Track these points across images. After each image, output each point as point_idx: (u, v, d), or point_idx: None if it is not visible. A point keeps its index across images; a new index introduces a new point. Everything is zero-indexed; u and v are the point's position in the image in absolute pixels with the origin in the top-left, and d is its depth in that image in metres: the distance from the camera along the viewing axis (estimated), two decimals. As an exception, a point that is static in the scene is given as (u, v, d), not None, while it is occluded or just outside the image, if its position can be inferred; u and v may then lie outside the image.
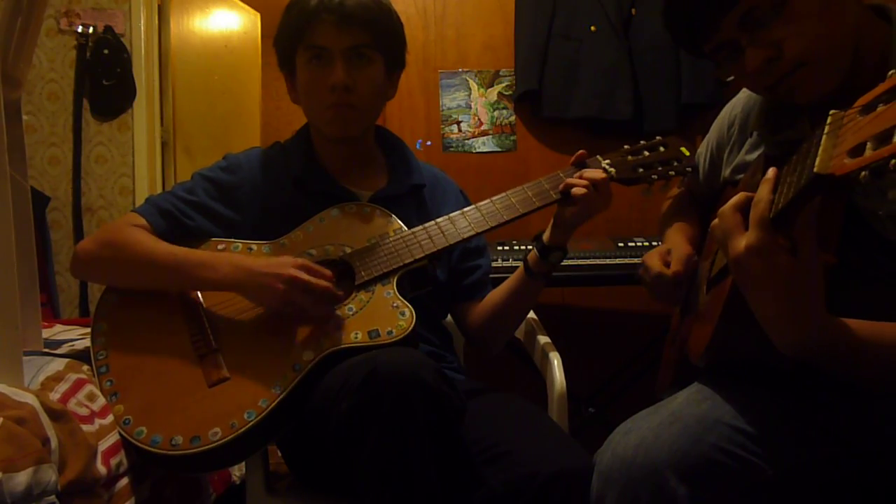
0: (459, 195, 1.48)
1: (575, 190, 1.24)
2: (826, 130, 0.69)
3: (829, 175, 0.65)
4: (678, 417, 0.90)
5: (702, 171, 1.27)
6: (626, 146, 1.35)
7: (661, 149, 1.34)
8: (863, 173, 0.60)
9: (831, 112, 0.69)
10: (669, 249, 1.18)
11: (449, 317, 1.49)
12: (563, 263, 1.35)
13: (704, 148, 1.26)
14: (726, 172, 1.15)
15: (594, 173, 1.25)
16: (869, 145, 0.60)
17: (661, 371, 1.26)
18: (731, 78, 0.99)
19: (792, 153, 0.77)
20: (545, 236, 1.31)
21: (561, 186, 1.26)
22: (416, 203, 1.40)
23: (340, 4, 1.26)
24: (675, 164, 1.32)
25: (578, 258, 2.06)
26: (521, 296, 1.37)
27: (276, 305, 1.17)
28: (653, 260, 1.17)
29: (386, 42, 1.32)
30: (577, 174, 1.27)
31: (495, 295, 1.41)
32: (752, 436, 0.88)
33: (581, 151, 1.31)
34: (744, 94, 1.16)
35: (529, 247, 2.10)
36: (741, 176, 1.09)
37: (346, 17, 1.26)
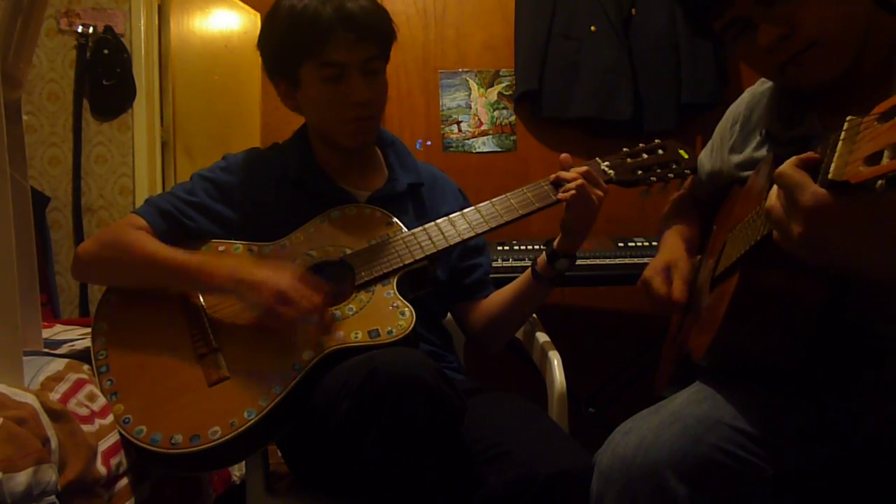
0: (458, 194, 1.48)
1: (563, 195, 1.24)
2: (842, 136, 0.68)
3: (844, 182, 0.65)
4: (678, 417, 0.90)
5: (706, 170, 1.27)
6: (625, 149, 1.36)
7: (660, 151, 1.34)
8: (879, 182, 0.59)
9: (848, 118, 0.68)
10: (669, 266, 1.15)
11: (449, 316, 1.49)
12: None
13: (709, 149, 1.26)
14: (729, 167, 1.16)
15: (569, 176, 1.25)
16: (886, 154, 0.59)
17: (660, 367, 1.26)
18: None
19: (801, 150, 0.76)
20: (555, 242, 1.31)
21: (561, 194, 1.25)
22: (415, 202, 1.40)
23: (354, 18, 1.23)
24: (674, 166, 1.32)
25: (578, 258, 2.05)
26: (525, 298, 1.37)
27: (265, 321, 1.16)
28: (656, 281, 1.14)
29: (388, 48, 1.33)
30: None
31: (500, 295, 1.41)
32: (753, 436, 0.88)
33: (564, 155, 1.30)
34: (748, 94, 1.16)
35: (529, 247, 2.12)
36: (748, 173, 1.09)
37: (364, 31, 1.24)
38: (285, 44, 1.28)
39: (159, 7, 2.93)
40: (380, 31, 1.28)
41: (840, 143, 0.67)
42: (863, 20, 0.91)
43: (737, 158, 1.13)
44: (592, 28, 2.54)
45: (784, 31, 0.90)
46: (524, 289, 1.36)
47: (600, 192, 1.25)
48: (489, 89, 2.70)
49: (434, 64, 2.70)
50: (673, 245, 1.22)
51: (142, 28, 2.78)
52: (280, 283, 1.14)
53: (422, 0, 2.70)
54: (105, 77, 2.72)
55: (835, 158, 0.67)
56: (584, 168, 1.26)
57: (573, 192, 1.23)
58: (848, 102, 0.93)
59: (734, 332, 0.91)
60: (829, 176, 0.66)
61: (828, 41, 0.90)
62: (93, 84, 2.73)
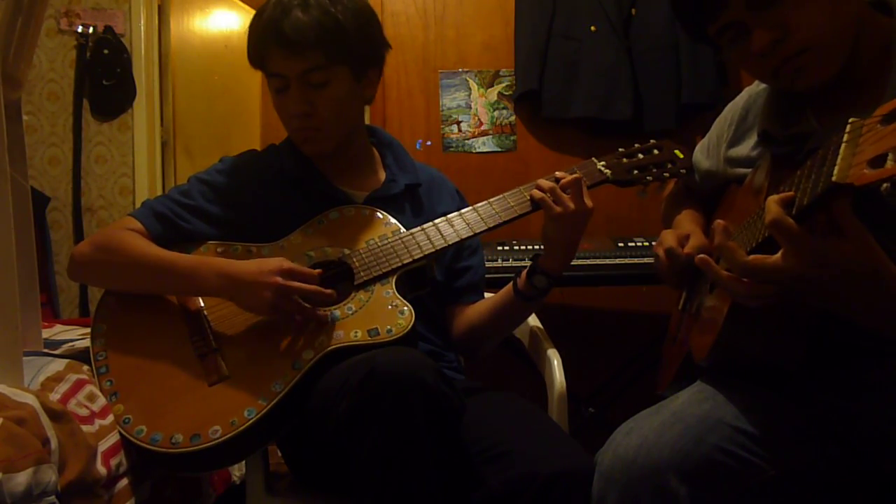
0: (455, 194, 1.48)
1: (534, 193, 1.23)
2: (845, 139, 0.67)
3: (849, 185, 0.64)
4: (680, 418, 0.90)
5: (702, 168, 1.26)
6: (620, 149, 1.36)
7: (656, 151, 1.35)
8: (884, 185, 0.59)
9: (850, 120, 0.68)
10: (688, 235, 1.15)
11: (449, 315, 1.49)
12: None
13: (705, 147, 1.26)
14: (725, 166, 1.15)
15: (558, 177, 1.23)
16: (891, 157, 0.59)
17: (660, 368, 1.26)
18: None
19: (798, 149, 0.76)
20: (541, 258, 1.29)
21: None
22: (412, 202, 1.40)
23: (281, 32, 1.22)
24: (670, 166, 1.32)
25: (578, 258, 2.05)
26: (504, 311, 1.34)
27: (265, 313, 1.17)
28: (669, 238, 1.14)
29: (344, 53, 1.26)
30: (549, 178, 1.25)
31: (481, 305, 1.39)
32: (754, 436, 0.88)
33: (559, 173, 1.26)
34: (746, 93, 1.17)
35: (529, 247, 2.12)
36: (743, 170, 1.09)
37: (292, 44, 1.22)
38: (248, 51, 1.34)
39: (159, 7, 2.93)
40: (318, 41, 1.22)
41: (843, 145, 0.67)
42: (854, 22, 0.92)
43: (733, 157, 1.14)
44: (592, 28, 2.54)
45: (777, 35, 0.90)
46: (504, 302, 1.33)
47: (571, 206, 1.19)
48: (489, 89, 2.70)
49: (434, 64, 2.70)
50: (689, 224, 1.21)
51: (142, 28, 2.78)
52: (270, 274, 1.14)
53: (422, 0, 2.70)
54: (105, 77, 2.72)
55: (838, 161, 0.66)
56: (570, 179, 1.22)
57: (544, 196, 1.21)
58: (844, 102, 0.94)
59: (736, 333, 0.91)
60: (833, 178, 0.66)
61: (820, 45, 0.90)
62: (93, 84, 2.73)
